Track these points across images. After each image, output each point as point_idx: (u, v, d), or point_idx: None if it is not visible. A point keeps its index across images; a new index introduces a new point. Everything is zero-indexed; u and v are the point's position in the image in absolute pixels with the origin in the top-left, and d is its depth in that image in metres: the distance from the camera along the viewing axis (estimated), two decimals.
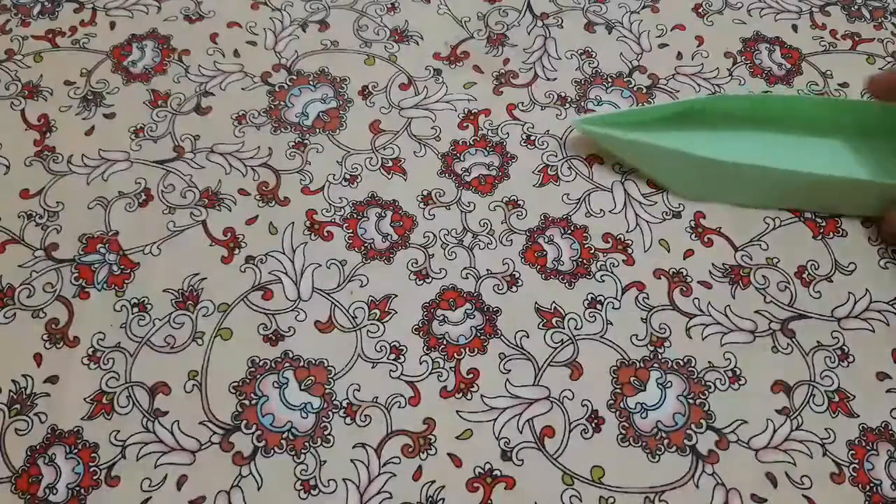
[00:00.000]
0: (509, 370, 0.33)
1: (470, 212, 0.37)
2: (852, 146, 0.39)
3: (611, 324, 0.34)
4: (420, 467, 0.31)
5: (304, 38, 0.43)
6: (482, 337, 0.34)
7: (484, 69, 0.42)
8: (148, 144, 0.39)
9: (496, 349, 0.33)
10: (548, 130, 0.40)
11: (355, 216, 0.37)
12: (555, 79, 0.42)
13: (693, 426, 0.32)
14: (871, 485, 0.31)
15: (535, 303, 0.35)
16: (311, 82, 0.41)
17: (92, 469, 0.30)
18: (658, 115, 0.39)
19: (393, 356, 0.33)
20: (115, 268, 0.35)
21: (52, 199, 0.37)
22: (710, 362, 0.33)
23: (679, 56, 0.43)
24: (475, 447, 0.31)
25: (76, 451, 0.31)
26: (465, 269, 0.35)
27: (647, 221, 0.37)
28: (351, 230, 0.36)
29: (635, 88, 0.41)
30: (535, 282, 0.35)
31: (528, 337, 0.34)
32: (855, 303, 0.35)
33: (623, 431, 0.32)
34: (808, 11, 0.45)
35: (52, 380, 0.32)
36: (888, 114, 0.38)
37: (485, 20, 0.44)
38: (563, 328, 0.34)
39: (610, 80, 0.42)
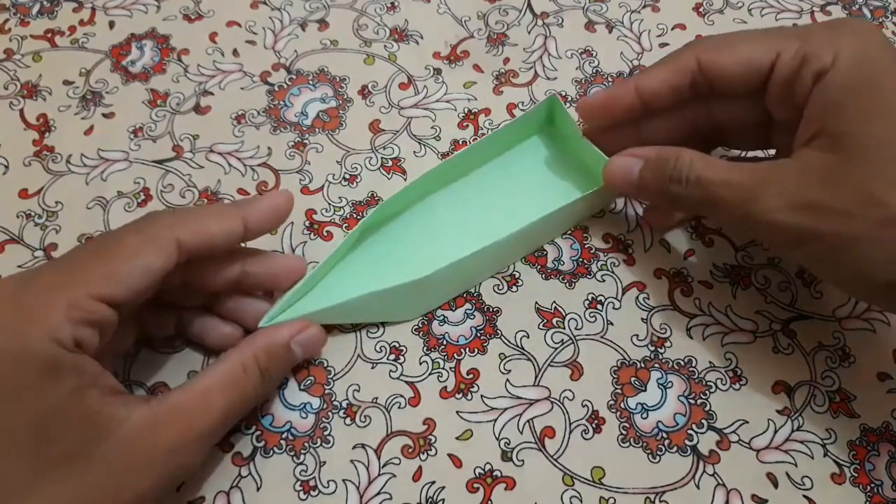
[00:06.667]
0: (509, 370, 0.33)
1: None
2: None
3: (611, 324, 0.34)
4: (420, 468, 0.31)
5: (304, 38, 0.43)
6: (482, 337, 0.34)
7: (484, 68, 0.42)
8: (147, 144, 0.39)
9: (496, 349, 0.33)
10: None
11: (355, 216, 0.37)
12: (555, 78, 0.42)
13: (694, 426, 0.32)
14: (872, 485, 0.31)
15: (536, 303, 0.35)
16: (310, 82, 0.41)
17: None
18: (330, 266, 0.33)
19: (393, 357, 0.33)
20: None
21: (51, 198, 0.37)
22: (710, 362, 0.33)
23: None
24: (475, 448, 0.31)
25: None
26: None
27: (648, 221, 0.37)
28: (351, 230, 0.36)
29: None
30: (536, 282, 0.35)
31: (528, 337, 0.34)
32: (856, 303, 0.35)
33: (624, 432, 0.32)
34: (808, 11, 0.45)
35: None
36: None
37: (485, 19, 0.44)
38: (564, 328, 0.34)
39: (610, 79, 0.42)
